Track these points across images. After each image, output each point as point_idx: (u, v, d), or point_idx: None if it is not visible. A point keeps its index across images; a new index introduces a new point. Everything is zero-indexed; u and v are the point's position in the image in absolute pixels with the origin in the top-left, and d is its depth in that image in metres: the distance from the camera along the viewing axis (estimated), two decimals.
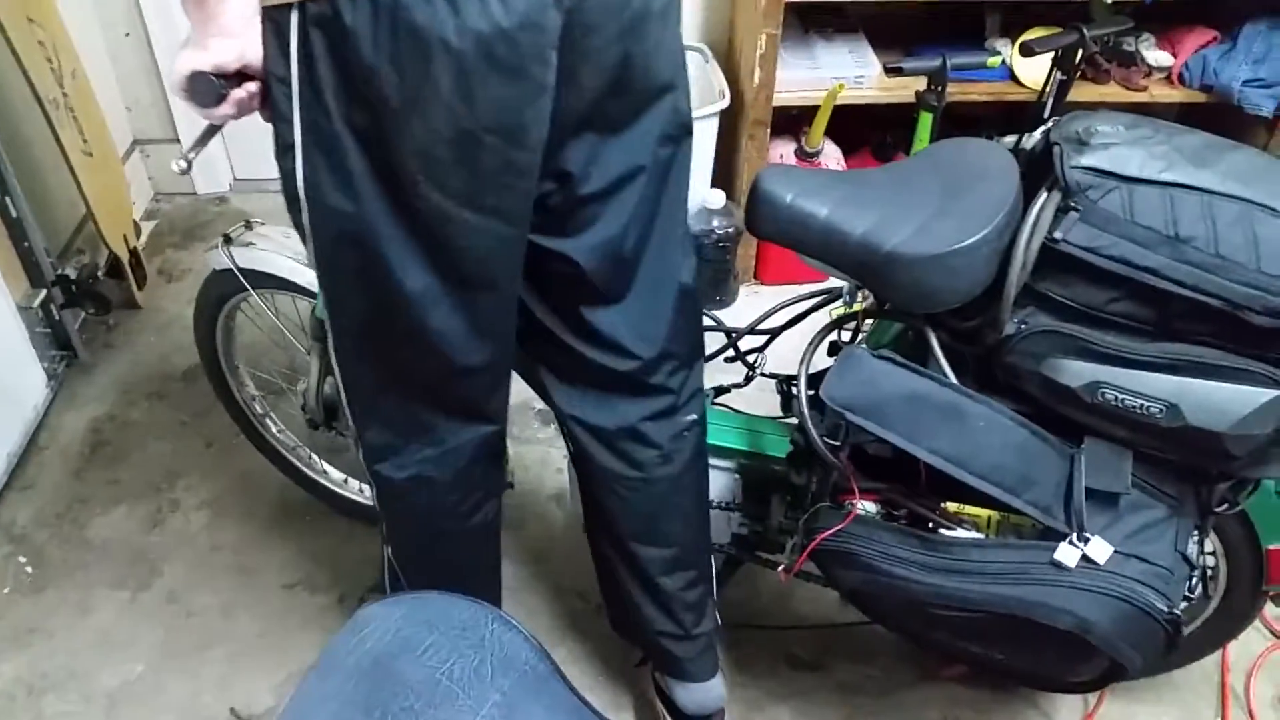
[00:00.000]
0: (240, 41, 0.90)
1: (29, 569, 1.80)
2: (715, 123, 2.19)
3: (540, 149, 0.98)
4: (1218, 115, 2.17)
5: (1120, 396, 1.08)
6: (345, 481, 1.87)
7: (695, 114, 1.15)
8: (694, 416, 1.28)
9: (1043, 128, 1.16)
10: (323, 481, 1.87)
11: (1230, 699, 1.61)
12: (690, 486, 1.33)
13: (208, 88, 0.92)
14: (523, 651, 0.89)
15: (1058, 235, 1.06)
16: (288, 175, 0.98)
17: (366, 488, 1.85)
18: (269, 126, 0.97)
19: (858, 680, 1.64)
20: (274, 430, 1.86)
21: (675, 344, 1.22)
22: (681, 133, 1.11)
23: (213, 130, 1.10)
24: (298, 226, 1.03)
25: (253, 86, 0.95)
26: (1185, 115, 2.29)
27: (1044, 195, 1.08)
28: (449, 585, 1.34)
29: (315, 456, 1.88)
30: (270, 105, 0.96)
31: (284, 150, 0.97)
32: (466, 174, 0.95)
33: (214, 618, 1.73)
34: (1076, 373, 1.09)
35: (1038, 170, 1.12)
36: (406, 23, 0.85)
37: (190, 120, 2.48)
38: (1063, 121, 1.13)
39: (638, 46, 0.98)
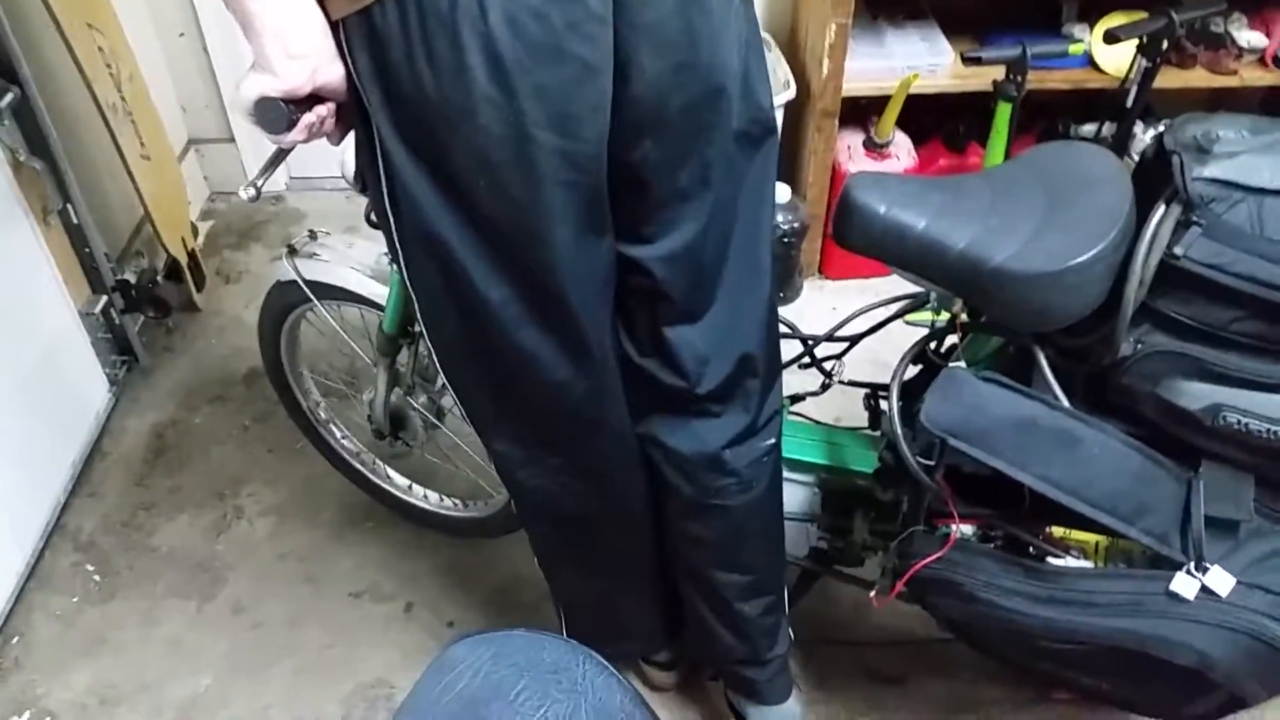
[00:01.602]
0: (311, 62, 0.86)
1: (96, 578, 1.80)
2: (780, 114, 2.12)
3: (601, 142, 0.91)
4: None
5: (1243, 420, 1.01)
6: (409, 487, 1.85)
7: None
8: (771, 440, 1.22)
9: (1154, 131, 1.10)
10: (387, 487, 1.85)
11: None
12: (767, 511, 1.28)
13: (276, 113, 0.87)
14: (617, 696, 0.86)
15: (1178, 251, 0.99)
16: (375, 194, 0.96)
17: (431, 493, 1.84)
18: None
19: (943, 694, 1.59)
20: (338, 436, 1.84)
21: (754, 362, 1.16)
22: (762, 133, 1.03)
23: (281, 155, 1.06)
24: (389, 244, 1.00)
25: (323, 110, 0.91)
26: (1271, 98, 2.20)
27: (1162, 208, 1.01)
28: (606, 596, 1.39)
29: (379, 462, 1.86)
30: (344, 126, 0.94)
31: (368, 168, 0.94)
32: (524, 176, 0.90)
33: (280, 628, 1.72)
34: (1196, 395, 1.03)
35: (1150, 178, 1.05)
36: (433, 13, 0.81)
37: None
38: (1177, 125, 1.05)
39: (702, 20, 0.90)
